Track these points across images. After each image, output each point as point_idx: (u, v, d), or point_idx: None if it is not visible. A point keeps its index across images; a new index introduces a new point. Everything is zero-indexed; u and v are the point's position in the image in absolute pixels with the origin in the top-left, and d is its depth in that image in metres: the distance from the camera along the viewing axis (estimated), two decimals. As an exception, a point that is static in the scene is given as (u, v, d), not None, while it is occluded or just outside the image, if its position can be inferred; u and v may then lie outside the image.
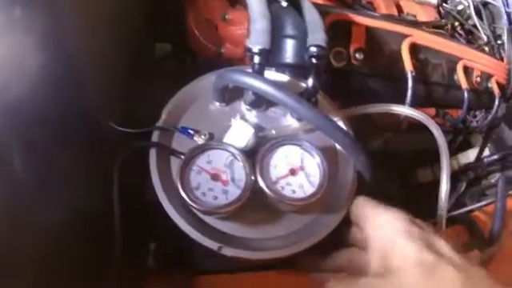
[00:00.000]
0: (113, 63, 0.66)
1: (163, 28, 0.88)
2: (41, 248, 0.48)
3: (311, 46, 0.59)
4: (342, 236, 0.61)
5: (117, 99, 0.67)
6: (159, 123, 0.61)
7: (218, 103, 0.62)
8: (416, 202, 0.75)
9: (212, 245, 0.54)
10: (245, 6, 0.71)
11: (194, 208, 0.54)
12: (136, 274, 0.73)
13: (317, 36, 0.59)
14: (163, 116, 0.61)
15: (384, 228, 0.54)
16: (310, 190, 0.55)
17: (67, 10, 0.49)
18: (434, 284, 0.47)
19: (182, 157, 0.56)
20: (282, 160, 0.56)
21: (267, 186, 0.53)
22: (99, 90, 0.60)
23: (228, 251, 0.54)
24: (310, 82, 0.59)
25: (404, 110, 0.65)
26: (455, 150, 1.03)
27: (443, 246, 0.51)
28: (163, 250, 0.78)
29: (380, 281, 0.50)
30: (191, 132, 0.59)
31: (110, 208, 0.57)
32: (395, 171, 0.95)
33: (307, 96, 0.59)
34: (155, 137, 0.60)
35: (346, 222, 0.60)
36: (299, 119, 0.62)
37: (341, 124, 0.62)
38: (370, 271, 0.53)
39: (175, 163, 0.59)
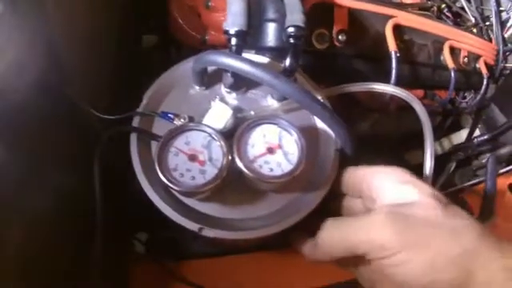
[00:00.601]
0: (98, 52, 0.67)
1: (150, 19, 0.88)
2: (25, 235, 0.48)
3: (289, 26, 0.59)
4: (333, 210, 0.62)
5: (102, 88, 0.68)
6: (140, 108, 0.61)
7: (197, 87, 0.63)
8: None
9: (193, 226, 0.55)
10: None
11: (173, 189, 0.54)
12: (124, 260, 0.74)
13: (295, 17, 0.60)
14: (144, 101, 0.61)
15: (390, 175, 0.55)
16: (287, 167, 0.55)
17: (47, 3, 0.49)
18: (450, 219, 0.49)
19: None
20: (259, 139, 0.56)
21: (245, 165, 0.54)
22: (83, 77, 0.60)
23: (209, 232, 0.55)
24: (288, 61, 0.59)
25: (386, 88, 0.65)
26: (446, 131, 1.03)
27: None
28: (154, 238, 0.78)
29: (401, 209, 0.51)
30: (171, 116, 0.60)
31: (94, 196, 0.57)
32: (384, 154, 0.95)
33: (285, 76, 0.59)
34: (136, 122, 0.60)
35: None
36: (279, 100, 0.62)
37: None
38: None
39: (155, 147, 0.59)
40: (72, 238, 0.60)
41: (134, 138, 0.59)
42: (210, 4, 0.76)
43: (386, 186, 0.54)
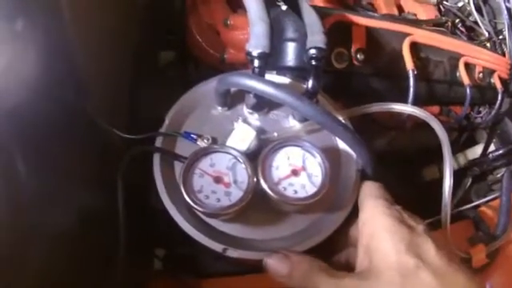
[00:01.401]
0: (116, 68, 0.67)
1: (167, 36, 0.89)
2: (46, 251, 0.48)
3: (310, 48, 0.59)
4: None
5: (121, 106, 0.68)
6: (162, 129, 0.61)
7: (220, 108, 0.63)
8: (423, 201, 0.74)
9: (217, 247, 0.55)
10: (246, 11, 0.72)
11: (198, 211, 0.54)
12: (142, 276, 0.74)
13: (316, 38, 0.60)
14: (166, 121, 0.62)
15: (371, 223, 0.53)
16: (312, 189, 0.55)
17: (68, 18, 0.50)
18: None
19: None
20: (283, 161, 0.56)
21: (269, 187, 0.54)
22: (103, 95, 0.61)
23: (233, 253, 0.55)
24: (310, 83, 0.59)
25: (404, 107, 0.65)
26: (461, 146, 1.03)
27: (429, 248, 0.50)
28: (173, 255, 0.78)
29: (360, 283, 0.49)
30: (194, 137, 0.60)
31: (115, 213, 0.58)
32: (401, 170, 0.95)
33: (307, 97, 0.59)
34: (158, 142, 0.61)
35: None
36: (301, 121, 0.62)
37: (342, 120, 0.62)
38: (356, 270, 0.53)
39: (179, 168, 0.60)
40: (94, 255, 0.60)
41: (157, 158, 0.60)
42: (229, 22, 0.76)
43: (363, 235, 0.54)
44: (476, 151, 1.02)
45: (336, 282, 0.50)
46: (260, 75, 0.58)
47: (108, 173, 0.60)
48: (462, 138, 1.03)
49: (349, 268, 0.55)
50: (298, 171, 0.56)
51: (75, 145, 0.56)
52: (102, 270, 0.61)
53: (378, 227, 0.52)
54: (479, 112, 1.02)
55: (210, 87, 0.63)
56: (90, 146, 0.60)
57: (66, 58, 0.52)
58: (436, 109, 0.92)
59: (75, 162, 0.56)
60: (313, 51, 0.59)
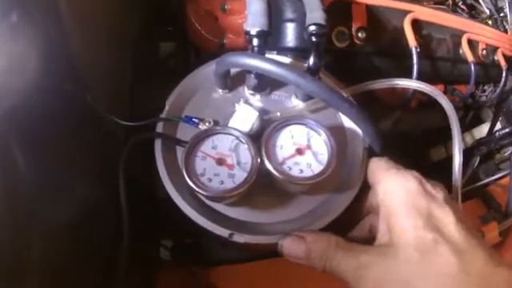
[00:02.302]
0: (117, 61, 0.66)
1: (167, 27, 0.88)
2: (49, 246, 0.47)
3: (310, 24, 0.58)
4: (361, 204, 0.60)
5: (122, 97, 0.67)
6: (163, 114, 0.60)
7: (220, 90, 0.62)
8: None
9: (223, 232, 0.54)
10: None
11: (201, 194, 0.53)
12: (149, 267, 0.73)
13: (315, 15, 0.59)
14: (166, 107, 0.61)
15: (389, 196, 0.52)
16: (318, 168, 0.54)
17: (65, 11, 0.49)
18: (427, 266, 0.45)
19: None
20: (287, 140, 0.55)
21: (274, 168, 0.53)
22: (103, 86, 0.60)
23: (240, 238, 0.54)
24: (311, 60, 0.58)
25: (410, 83, 0.64)
26: (467, 125, 1.02)
27: (448, 220, 0.48)
28: (180, 244, 0.78)
29: (377, 259, 0.48)
30: (196, 120, 0.59)
31: (119, 203, 0.57)
32: (407, 152, 0.94)
33: (309, 74, 0.58)
34: (159, 128, 0.60)
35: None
36: (304, 100, 0.61)
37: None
38: (376, 243, 0.52)
39: (181, 153, 0.58)
40: (98, 246, 0.60)
41: (158, 144, 0.59)
42: (226, 7, 0.75)
43: (383, 209, 0.53)
44: (482, 130, 1.01)
45: (353, 259, 0.49)
46: (259, 54, 0.56)
47: (110, 163, 0.59)
48: (468, 117, 1.02)
49: (371, 236, 0.55)
50: (303, 150, 0.55)
51: (75, 135, 0.55)
52: (106, 263, 0.60)
53: (395, 202, 0.50)
54: (484, 90, 1.00)
55: (209, 70, 0.62)
56: (90, 136, 0.59)
57: (64, 49, 0.51)
58: (440, 88, 0.91)
59: (76, 152, 0.55)
60: (312, 28, 0.58)
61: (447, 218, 0.48)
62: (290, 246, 0.53)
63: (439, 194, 0.51)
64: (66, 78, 0.52)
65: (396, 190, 0.51)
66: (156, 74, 0.84)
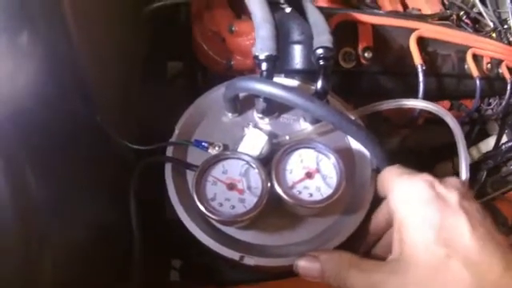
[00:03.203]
0: (124, 79, 0.67)
1: (174, 46, 0.88)
2: (60, 265, 0.48)
3: (317, 48, 0.59)
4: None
5: (130, 117, 0.68)
6: (172, 138, 0.61)
7: (230, 114, 0.63)
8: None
9: (233, 255, 0.54)
10: (250, 16, 0.72)
11: (212, 219, 0.54)
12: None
13: (322, 38, 0.59)
14: (176, 131, 0.61)
15: (400, 206, 0.50)
16: (327, 191, 0.54)
17: (74, 30, 0.50)
18: (439, 285, 0.44)
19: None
20: (297, 164, 0.56)
21: (284, 192, 0.53)
22: (112, 107, 0.60)
23: (250, 260, 0.54)
24: (319, 83, 0.58)
25: (416, 103, 0.65)
26: (473, 139, 1.02)
27: (462, 229, 0.45)
28: (188, 265, 0.78)
29: (388, 278, 0.47)
30: (205, 144, 0.60)
31: (129, 224, 0.58)
32: (415, 169, 0.94)
33: (317, 98, 0.58)
34: (169, 152, 0.60)
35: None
36: (312, 122, 0.62)
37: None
38: (389, 257, 0.50)
39: (191, 177, 0.59)
40: (108, 266, 0.60)
41: (168, 168, 0.59)
42: (233, 28, 0.75)
43: (396, 220, 0.51)
44: (489, 143, 1.02)
45: (365, 278, 0.49)
46: (268, 78, 0.57)
47: (120, 185, 0.60)
48: (474, 131, 1.02)
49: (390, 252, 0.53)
50: (313, 173, 0.55)
51: (86, 157, 0.56)
52: (116, 283, 0.61)
53: (406, 212, 0.49)
54: (489, 104, 1.01)
55: (218, 94, 0.62)
56: (100, 158, 0.59)
57: (74, 70, 0.51)
58: (447, 104, 0.92)
59: (86, 174, 0.56)
60: (320, 51, 0.59)
61: (461, 227, 0.46)
62: (305, 267, 0.53)
63: (453, 196, 0.48)
64: (75, 98, 0.53)
65: (407, 199, 0.50)
66: (164, 94, 0.84)
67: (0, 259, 0.42)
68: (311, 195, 0.54)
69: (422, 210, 0.48)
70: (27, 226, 0.44)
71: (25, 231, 0.43)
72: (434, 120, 0.69)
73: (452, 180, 0.52)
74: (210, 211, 0.52)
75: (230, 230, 0.57)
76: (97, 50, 0.57)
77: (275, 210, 0.56)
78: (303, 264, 0.53)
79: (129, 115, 0.69)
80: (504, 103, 0.96)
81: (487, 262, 0.43)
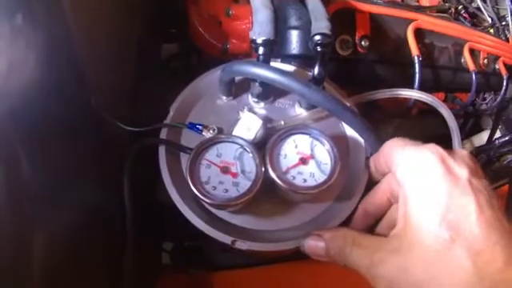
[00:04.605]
0: (118, 62, 0.66)
1: (169, 28, 0.88)
2: (52, 250, 0.48)
3: (315, 34, 0.58)
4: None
5: (124, 99, 0.67)
6: (167, 120, 0.60)
7: (225, 97, 0.62)
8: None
9: (226, 239, 0.54)
10: (247, 0, 0.71)
11: (206, 202, 0.54)
12: (151, 271, 0.73)
13: (320, 24, 0.59)
14: (171, 113, 0.61)
15: (407, 180, 0.48)
16: (321, 177, 0.54)
17: (69, 13, 0.49)
18: (440, 270, 0.43)
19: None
20: (291, 149, 0.56)
21: (278, 177, 0.53)
22: (105, 89, 0.60)
23: (242, 245, 0.54)
24: (316, 69, 0.58)
25: (412, 93, 0.65)
26: (467, 133, 1.02)
27: (469, 209, 0.43)
28: (180, 248, 0.78)
29: (390, 257, 0.46)
30: (199, 127, 0.59)
31: (122, 207, 0.57)
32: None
33: (314, 84, 0.58)
34: (163, 134, 0.60)
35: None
36: (307, 108, 0.61)
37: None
38: (392, 233, 0.48)
39: (185, 159, 0.59)
40: (101, 250, 0.60)
41: (162, 150, 0.59)
42: (230, 12, 0.75)
43: (401, 195, 0.49)
44: (482, 138, 1.02)
45: (367, 255, 0.48)
46: (265, 63, 0.57)
47: (113, 168, 0.59)
48: (468, 124, 1.02)
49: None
50: (307, 159, 0.55)
51: (79, 140, 0.55)
52: (109, 268, 0.61)
53: (413, 187, 0.47)
54: (484, 98, 1.01)
55: (213, 77, 0.62)
56: (94, 141, 0.59)
57: (68, 53, 0.51)
58: (441, 95, 0.92)
59: (79, 157, 0.55)
60: (318, 37, 0.58)
61: (468, 207, 0.43)
62: (311, 246, 0.53)
63: (463, 171, 0.46)
64: (70, 80, 0.52)
65: (415, 172, 0.47)
66: (159, 76, 0.84)
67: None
68: (305, 181, 0.54)
69: (430, 186, 0.46)
70: (19, 211, 0.43)
71: (17, 216, 0.43)
72: (428, 111, 0.69)
73: (462, 153, 0.50)
74: (203, 194, 0.52)
75: (223, 214, 0.57)
76: (92, 29, 0.56)
77: (268, 195, 0.56)
78: (309, 243, 0.53)
79: (123, 98, 0.68)
80: (499, 99, 0.96)
81: (489, 251, 0.42)
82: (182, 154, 0.60)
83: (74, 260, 0.53)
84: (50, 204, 0.48)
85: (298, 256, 0.66)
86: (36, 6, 0.45)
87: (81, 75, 0.54)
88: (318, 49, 0.58)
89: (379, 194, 0.56)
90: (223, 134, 0.59)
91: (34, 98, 0.45)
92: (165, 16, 0.85)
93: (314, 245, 0.53)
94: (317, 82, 0.59)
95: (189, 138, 0.60)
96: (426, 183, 0.46)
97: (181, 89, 0.63)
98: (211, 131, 0.59)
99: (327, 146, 0.55)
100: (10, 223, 0.42)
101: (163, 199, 0.58)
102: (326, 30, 0.58)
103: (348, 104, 0.60)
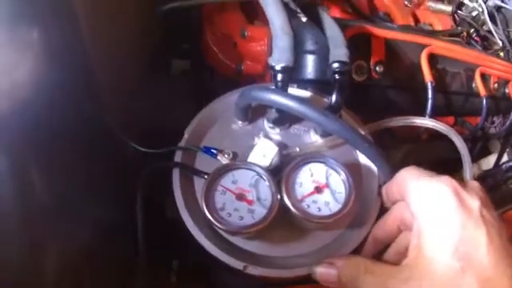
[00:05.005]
0: (130, 78, 0.66)
1: (181, 45, 0.88)
2: (64, 264, 0.48)
3: (334, 62, 0.59)
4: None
5: (135, 117, 0.67)
6: (182, 143, 0.60)
7: (240, 122, 0.62)
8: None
9: (237, 264, 0.54)
10: (263, 22, 0.71)
11: (220, 229, 0.54)
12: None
13: (339, 51, 0.59)
14: (185, 135, 0.61)
15: (422, 211, 0.49)
16: (335, 207, 0.54)
17: (84, 27, 0.49)
18: None
19: (206, 177, 0.56)
20: (307, 178, 0.55)
21: (293, 205, 0.53)
22: (118, 107, 0.60)
23: (253, 270, 0.54)
24: (334, 97, 0.58)
25: (426, 122, 0.65)
26: (475, 156, 1.02)
27: (480, 241, 0.45)
28: (186, 266, 0.77)
29: (402, 284, 0.47)
30: (214, 151, 0.59)
31: (133, 225, 0.57)
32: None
33: (331, 112, 0.58)
34: (178, 156, 0.60)
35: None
36: (323, 136, 0.61)
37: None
38: (405, 261, 0.49)
39: (198, 183, 0.59)
40: (113, 268, 0.60)
41: (176, 173, 0.59)
42: (246, 33, 0.75)
43: (415, 225, 0.50)
44: (489, 161, 1.02)
45: (380, 283, 0.48)
46: (283, 89, 0.57)
47: (125, 185, 0.59)
48: (476, 148, 1.02)
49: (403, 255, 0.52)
50: (322, 188, 0.55)
51: (91, 157, 0.55)
52: (119, 285, 0.61)
53: (428, 219, 0.48)
54: (493, 122, 1.01)
55: (229, 101, 0.62)
56: (106, 158, 0.59)
57: (83, 69, 0.51)
58: (451, 119, 0.92)
59: (91, 174, 0.55)
60: (336, 65, 0.58)
61: (480, 239, 0.45)
62: (323, 273, 0.53)
63: (475, 203, 0.47)
64: (86, 98, 0.52)
65: (429, 205, 0.49)
66: (170, 93, 0.84)
67: (3, 256, 0.42)
68: (319, 210, 0.54)
69: (444, 219, 0.47)
70: (31, 225, 0.43)
71: (28, 231, 0.43)
72: (437, 135, 0.69)
73: (474, 185, 0.52)
74: (218, 221, 0.52)
75: (235, 239, 0.57)
76: (107, 47, 0.56)
77: (281, 222, 0.56)
78: (321, 271, 0.53)
79: (133, 115, 0.68)
80: (508, 123, 0.96)
81: (499, 278, 0.44)
82: (195, 177, 0.59)
83: (86, 275, 0.53)
84: (62, 218, 0.48)
85: (307, 281, 0.66)
86: (51, 21, 0.45)
87: (96, 92, 0.54)
88: (336, 76, 0.59)
89: (390, 222, 0.57)
90: (238, 159, 0.59)
91: (49, 114, 0.45)
92: (178, 32, 0.85)
93: (326, 272, 0.53)
94: (334, 110, 0.59)
95: (203, 162, 0.60)
96: (440, 215, 0.47)
97: (194, 108, 0.64)
98: (226, 156, 0.59)
99: (342, 175, 0.55)
100: (22, 236, 0.42)
101: (173, 216, 0.58)
102: (345, 58, 0.59)
103: (363, 133, 0.60)
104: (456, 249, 0.45)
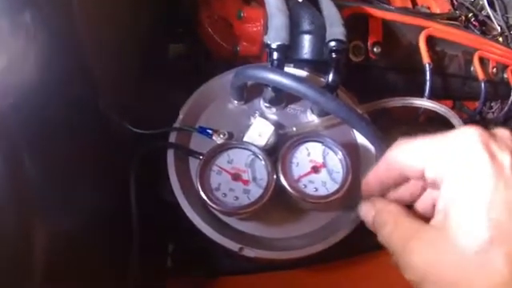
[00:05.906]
0: (125, 62, 0.66)
1: (177, 28, 0.87)
2: (55, 250, 0.47)
3: (330, 40, 0.58)
4: None
5: (130, 98, 0.67)
6: (177, 123, 0.60)
7: (236, 102, 0.62)
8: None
9: (233, 246, 0.53)
10: (259, 3, 0.70)
11: (215, 209, 0.53)
12: (154, 274, 0.73)
13: (336, 30, 0.58)
14: (180, 116, 0.60)
15: (449, 170, 0.42)
16: (333, 187, 0.53)
17: (77, 10, 0.48)
18: (477, 272, 0.39)
19: (201, 157, 0.55)
20: (304, 157, 0.55)
21: (289, 185, 0.52)
22: (111, 88, 0.59)
23: (250, 252, 0.53)
24: (331, 76, 0.57)
25: (425, 103, 0.64)
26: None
27: None
28: (182, 250, 0.77)
29: (427, 249, 0.42)
30: (210, 132, 0.58)
31: (127, 208, 0.57)
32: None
33: (328, 91, 0.57)
34: (173, 137, 0.59)
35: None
36: (319, 115, 0.61)
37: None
38: (432, 222, 0.44)
39: (193, 163, 0.58)
40: (103, 251, 0.59)
41: (171, 154, 0.58)
42: (242, 14, 0.74)
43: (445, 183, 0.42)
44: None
45: (404, 242, 0.43)
46: (279, 68, 0.56)
47: (118, 168, 0.58)
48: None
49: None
50: (319, 168, 0.54)
51: (85, 141, 0.54)
52: (114, 271, 0.60)
53: (452, 183, 0.41)
54: (491, 107, 1.01)
55: (225, 80, 0.61)
56: (99, 141, 0.58)
57: (76, 53, 0.50)
58: (449, 103, 0.91)
59: (85, 158, 0.54)
60: (333, 44, 0.58)
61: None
62: (365, 212, 0.50)
63: (506, 158, 0.40)
64: (78, 79, 0.51)
65: (457, 161, 0.41)
66: (165, 76, 0.83)
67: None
68: (316, 190, 0.53)
69: (473, 181, 0.40)
70: (21, 208, 0.43)
71: (18, 212, 0.42)
72: (435, 118, 0.68)
73: (503, 133, 0.44)
74: (213, 201, 0.51)
75: (231, 221, 0.56)
76: (100, 31, 0.55)
77: (278, 203, 0.55)
78: (364, 209, 0.50)
79: (129, 98, 0.67)
80: (506, 108, 0.95)
81: None
82: (190, 158, 0.59)
83: (77, 261, 0.52)
84: (53, 203, 0.47)
85: (304, 263, 0.65)
86: (45, 5, 0.44)
87: (88, 75, 0.53)
88: (333, 55, 0.58)
89: (384, 172, 0.51)
90: (234, 139, 0.58)
91: (38, 96, 0.45)
92: (172, 15, 0.84)
93: (367, 211, 0.50)
94: (331, 89, 0.58)
95: (198, 142, 0.59)
96: (470, 176, 0.40)
97: (189, 90, 0.63)
98: (221, 136, 0.58)
99: (340, 155, 0.54)
100: (12, 222, 0.41)
101: (167, 199, 0.58)
102: (342, 37, 0.58)
103: (361, 112, 0.59)
104: (486, 216, 0.39)
